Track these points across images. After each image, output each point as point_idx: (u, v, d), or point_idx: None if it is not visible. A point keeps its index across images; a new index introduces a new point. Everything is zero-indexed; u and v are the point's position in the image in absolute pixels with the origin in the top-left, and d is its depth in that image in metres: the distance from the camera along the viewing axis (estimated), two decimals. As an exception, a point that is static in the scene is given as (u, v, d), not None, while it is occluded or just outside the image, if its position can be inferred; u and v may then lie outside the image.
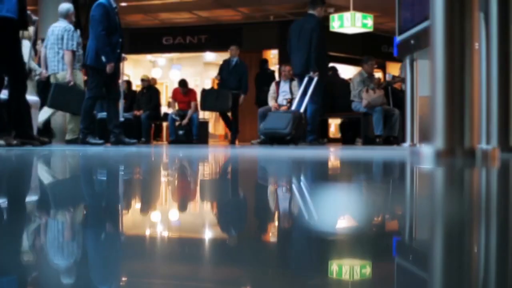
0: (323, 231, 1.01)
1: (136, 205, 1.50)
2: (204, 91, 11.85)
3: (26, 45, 9.31)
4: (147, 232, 1.04)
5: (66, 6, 8.72)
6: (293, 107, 8.84)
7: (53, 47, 8.71)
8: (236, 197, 1.70)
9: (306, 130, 8.77)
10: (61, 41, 8.57)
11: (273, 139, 8.47)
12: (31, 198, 1.63)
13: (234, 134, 11.83)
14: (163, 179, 2.33)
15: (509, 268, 0.70)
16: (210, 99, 11.43)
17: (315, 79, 8.57)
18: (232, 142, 11.64)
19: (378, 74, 12.65)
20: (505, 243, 0.87)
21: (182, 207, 1.45)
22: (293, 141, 8.34)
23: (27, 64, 9.18)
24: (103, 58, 7.69)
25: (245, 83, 11.41)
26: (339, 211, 1.26)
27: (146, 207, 1.44)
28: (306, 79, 8.68)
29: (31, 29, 9.69)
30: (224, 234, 1.05)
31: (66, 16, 8.61)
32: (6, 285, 0.65)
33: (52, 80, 8.74)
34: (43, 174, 2.80)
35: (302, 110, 8.63)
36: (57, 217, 1.25)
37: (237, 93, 11.20)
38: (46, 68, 8.92)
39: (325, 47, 8.90)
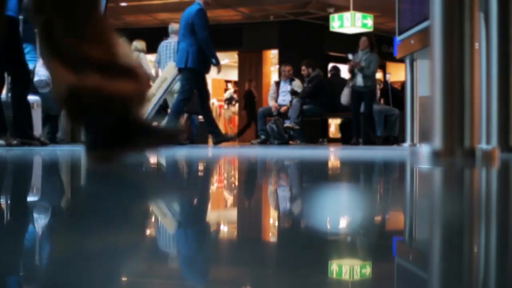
0: (319, 231, 1.01)
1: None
2: None
3: (142, 57, 10.06)
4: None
5: (176, 25, 9.88)
6: None
7: (167, 61, 9.58)
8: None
9: None
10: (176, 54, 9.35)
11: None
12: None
13: None
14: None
15: (509, 268, 0.70)
16: None
17: None
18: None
19: (378, 75, 12.65)
20: (505, 243, 0.87)
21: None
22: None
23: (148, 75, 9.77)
24: (214, 61, 7.83)
25: None
26: (335, 210, 1.26)
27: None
28: None
29: (143, 44, 10.35)
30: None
31: (176, 32, 9.72)
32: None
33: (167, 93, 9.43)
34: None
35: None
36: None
37: None
38: None
39: None
